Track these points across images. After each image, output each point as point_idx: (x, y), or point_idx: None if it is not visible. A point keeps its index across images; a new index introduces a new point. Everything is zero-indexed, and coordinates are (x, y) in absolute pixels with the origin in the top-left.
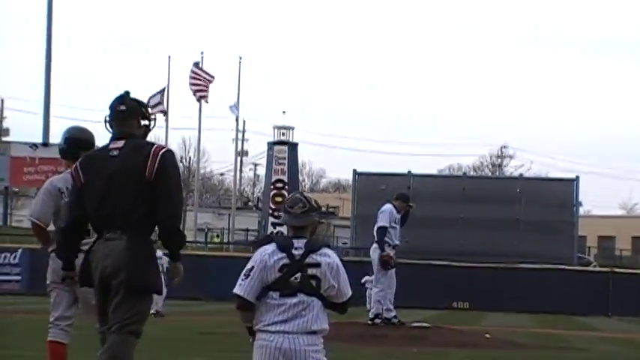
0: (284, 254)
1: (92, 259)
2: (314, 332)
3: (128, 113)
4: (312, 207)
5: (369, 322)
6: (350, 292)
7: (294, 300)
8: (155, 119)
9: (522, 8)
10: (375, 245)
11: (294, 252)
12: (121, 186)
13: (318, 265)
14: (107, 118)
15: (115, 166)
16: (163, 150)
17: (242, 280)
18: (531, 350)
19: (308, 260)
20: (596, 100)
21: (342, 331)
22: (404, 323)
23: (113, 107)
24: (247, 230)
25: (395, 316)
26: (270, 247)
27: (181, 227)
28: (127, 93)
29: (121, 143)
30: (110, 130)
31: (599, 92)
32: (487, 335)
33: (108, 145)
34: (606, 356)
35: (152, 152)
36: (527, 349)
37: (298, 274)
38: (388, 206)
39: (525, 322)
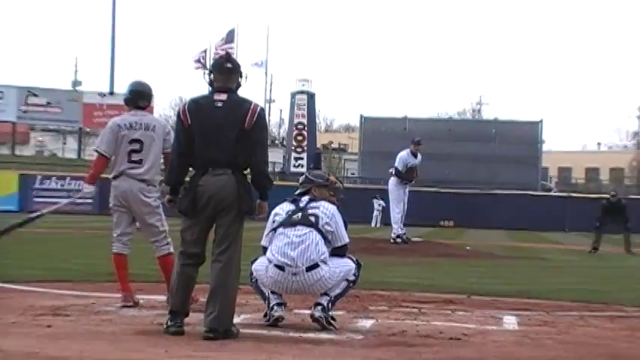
0: (293, 205)
1: (203, 191)
2: (315, 265)
3: (233, 70)
4: (307, 179)
5: (392, 241)
6: (347, 240)
7: (293, 229)
8: (247, 76)
9: None
10: (391, 179)
11: (301, 204)
12: (226, 133)
13: (317, 207)
14: (210, 71)
15: (221, 116)
16: (259, 107)
17: (265, 233)
18: (504, 259)
19: (309, 205)
20: (555, 57)
21: (351, 245)
22: (406, 241)
23: (220, 64)
24: (274, 163)
25: (405, 233)
26: (284, 203)
27: None
28: (229, 54)
29: (224, 96)
30: (209, 80)
31: (558, 51)
32: (468, 248)
33: (211, 95)
34: (564, 263)
35: (251, 108)
36: (501, 259)
37: (300, 214)
38: (402, 153)
39: (499, 237)
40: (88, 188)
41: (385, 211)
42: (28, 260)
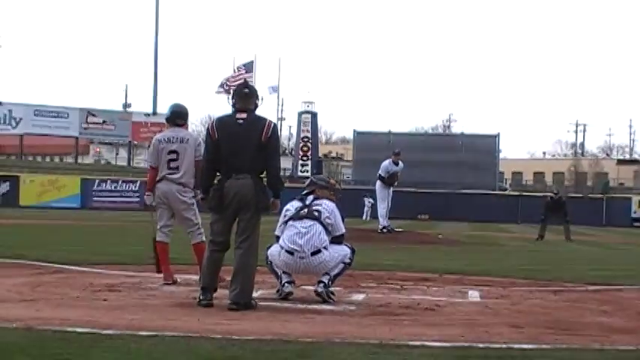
0: (300, 203)
1: (228, 192)
2: (318, 250)
3: (250, 94)
4: (311, 182)
5: (379, 231)
6: (343, 230)
7: (301, 222)
8: (263, 99)
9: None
10: (377, 182)
11: (307, 202)
12: (246, 144)
13: (320, 204)
14: (233, 95)
15: (242, 131)
16: (273, 124)
17: (278, 225)
18: (469, 245)
19: (313, 202)
20: (510, 84)
21: (346, 234)
22: (390, 231)
23: (240, 90)
24: (285, 169)
25: (389, 225)
26: (293, 200)
27: None
28: (247, 82)
29: (244, 115)
30: (232, 103)
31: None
32: (440, 236)
33: (234, 114)
34: (516, 248)
35: (267, 124)
36: (466, 245)
37: (306, 209)
38: (385, 162)
39: (465, 227)
40: (147, 193)
41: (374, 208)
42: (88, 247)
